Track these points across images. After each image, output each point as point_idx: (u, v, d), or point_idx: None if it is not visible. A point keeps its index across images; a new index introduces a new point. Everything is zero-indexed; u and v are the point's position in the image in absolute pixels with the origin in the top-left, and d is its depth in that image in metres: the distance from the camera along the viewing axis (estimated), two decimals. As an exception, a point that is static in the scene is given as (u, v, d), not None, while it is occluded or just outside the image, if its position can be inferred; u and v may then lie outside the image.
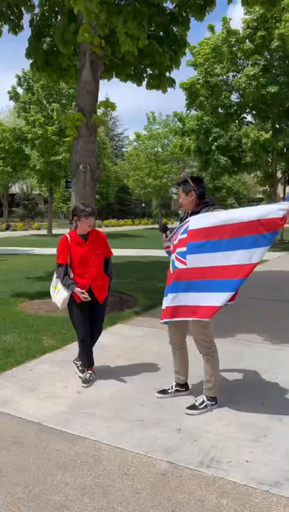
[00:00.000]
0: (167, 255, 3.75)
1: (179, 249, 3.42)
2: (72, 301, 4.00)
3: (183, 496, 2.46)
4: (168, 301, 3.50)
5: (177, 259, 3.43)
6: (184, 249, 3.35)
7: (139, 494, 2.47)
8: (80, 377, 4.09)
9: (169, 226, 3.87)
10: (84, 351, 4.10)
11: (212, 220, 3.26)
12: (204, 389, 3.55)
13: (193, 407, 3.46)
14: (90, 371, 4.08)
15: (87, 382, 3.99)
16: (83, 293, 3.87)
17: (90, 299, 3.91)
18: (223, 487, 2.53)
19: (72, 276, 3.98)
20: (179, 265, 3.40)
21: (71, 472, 2.68)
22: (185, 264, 3.35)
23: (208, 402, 3.48)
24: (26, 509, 2.36)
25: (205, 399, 3.49)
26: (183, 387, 3.79)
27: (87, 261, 3.97)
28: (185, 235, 3.37)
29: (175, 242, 3.52)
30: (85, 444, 2.99)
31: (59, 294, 4.01)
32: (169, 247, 3.73)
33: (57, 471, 2.70)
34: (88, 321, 4.08)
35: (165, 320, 3.59)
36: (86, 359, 4.10)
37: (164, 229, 3.81)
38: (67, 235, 4.03)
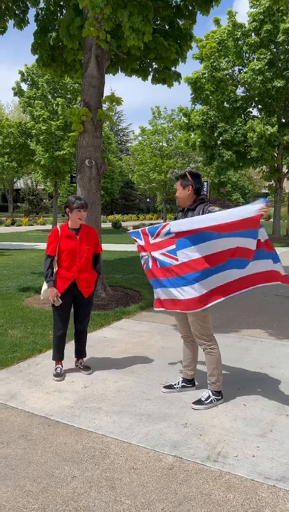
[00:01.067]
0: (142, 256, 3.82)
1: (166, 249, 3.51)
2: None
3: (190, 489, 2.47)
4: (166, 293, 3.60)
5: (167, 256, 3.51)
6: (174, 246, 3.46)
7: (146, 488, 2.49)
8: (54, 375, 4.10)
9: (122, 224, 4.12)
10: (57, 345, 4.14)
11: (196, 223, 3.31)
12: (208, 383, 3.56)
13: (199, 402, 3.47)
14: (59, 365, 4.14)
15: (60, 375, 4.05)
16: (56, 296, 3.95)
17: (60, 303, 3.96)
18: (230, 481, 2.55)
19: (56, 269, 4.01)
20: (171, 262, 3.49)
21: (78, 465, 2.71)
22: (177, 260, 3.44)
23: (214, 397, 3.49)
24: (34, 501, 2.38)
25: (210, 394, 3.50)
26: (190, 382, 3.80)
27: (75, 254, 4.00)
28: (171, 235, 3.47)
29: (157, 240, 3.57)
30: (91, 438, 3.02)
31: (43, 284, 4.10)
32: (141, 246, 3.78)
33: (64, 464, 2.72)
34: (68, 316, 4.12)
35: (161, 308, 3.71)
36: (58, 353, 4.15)
37: (118, 226, 3.98)
38: (59, 228, 4.06)
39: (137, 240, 3.79)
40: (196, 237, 3.33)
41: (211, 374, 3.55)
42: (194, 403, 3.47)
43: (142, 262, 3.80)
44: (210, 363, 3.55)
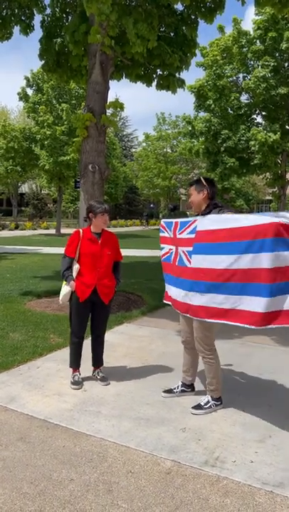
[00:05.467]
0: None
1: (186, 248, 3.49)
2: (75, 300, 3.95)
3: (187, 494, 2.47)
4: (178, 294, 3.61)
5: (185, 255, 3.51)
6: (191, 248, 3.43)
7: (143, 492, 2.49)
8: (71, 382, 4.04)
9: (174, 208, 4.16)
10: (75, 353, 4.08)
11: (220, 223, 3.27)
12: (208, 390, 3.56)
13: (198, 406, 3.47)
14: (76, 373, 4.07)
15: (78, 383, 3.98)
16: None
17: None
18: (227, 486, 2.54)
19: (75, 273, 3.91)
20: (186, 263, 3.49)
21: (76, 469, 2.71)
22: (190, 263, 3.43)
23: (213, 402, 3.49)
24: (31, 504, 2.38)
25: (210, 399, 3.50)
26: (189, 387, 3.80)
27: (96, 259, 3.91)
28: (193, 235, 3.43)
29: (181, 236, 3.57)
30: (90, 442, 3.02)
31: (63, 288, 3.98)
32: (166, 238, 3.83)
33: (62, 467, 2.72)
34: (86, 323, 4.07)
35: (169, 302, 3.83)
36: (76, 360, 4.09)
37: (176, 207, 4.04)
38: (81, 230, 4.00)
39: (167, 230, 3.79)
40: (213, 246, 3.24)
41: (209, 382, 3.54)
42: (194, 408, 3.47)
43: (162, 253, 3.83)
44: (208, 372, 3.54)
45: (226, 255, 3.14)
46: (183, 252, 3.54)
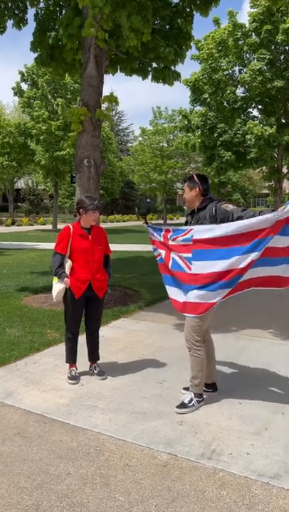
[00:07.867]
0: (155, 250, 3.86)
1: (184, 254, 3.47)
2: (70, 296, 3.94)
3: (183, 486, 2.49)
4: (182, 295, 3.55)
5: (183, 261, 3.49)
6: (190, 255, 3.42)
7: (140, 485, 2.50)
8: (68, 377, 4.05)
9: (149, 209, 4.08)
10: (70, 348, 4.09)
11: (219, 232, 3.29)
12: (191, 386, 3.51)
13: (182, 405, 3.42)
14: (73, 368, 4.08)
15: (75, 378, 3.98)
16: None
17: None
18: (224, 478, 2.56)
19: (68, 270, 3.89)
20: (185, 269, 3.47)
21: (73, 462, 2.72)
22: (190, 269, 3.42)
23: (196, 399, 3.45)
24: (29, 498, 2.39)
25: (193, 396, 3.46)
26: (210, 387, 3.69)
27: (88, 255, 3.91)
28: (190, 242, 3.43)
29: (173, 243, 3.56)
30: (87, 436, 3.03)
31: (55, 285, 3.94)
32: (157, 242, 3.80)
33: (59, 461, 2.73)
34: (80, 318, 4.06)
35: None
36: (72, 356, 4.10)
37: (147, 211, 4.01)
38: (70, 226, 3.96)
39: (155, 234, 3.78)
40: (214, 251, 3.28)
41: (194, 376, 3.49)
42: (178, 407, 3.40)
43: (156, 254, 3.80)
44: (195, 365, 3.48)
45: (229, 259, 3.24)
46: (180, 257, 3.51)
